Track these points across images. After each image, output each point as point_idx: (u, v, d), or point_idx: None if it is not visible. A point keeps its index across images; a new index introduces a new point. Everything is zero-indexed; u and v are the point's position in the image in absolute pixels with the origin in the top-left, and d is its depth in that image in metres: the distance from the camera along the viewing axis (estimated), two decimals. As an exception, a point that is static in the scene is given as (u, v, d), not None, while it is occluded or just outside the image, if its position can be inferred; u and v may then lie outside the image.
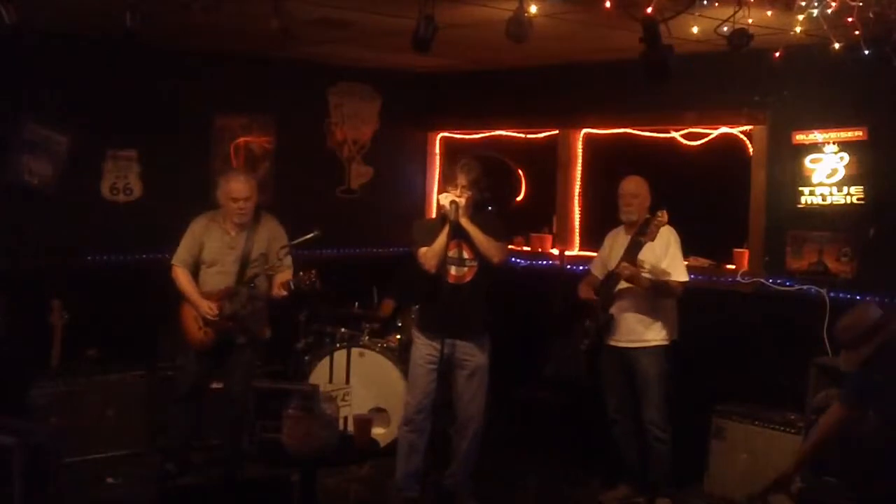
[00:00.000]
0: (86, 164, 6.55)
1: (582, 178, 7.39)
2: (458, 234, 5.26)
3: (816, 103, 5.90)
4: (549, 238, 7.52)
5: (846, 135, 5.76)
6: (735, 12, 4.34)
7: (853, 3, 4.02)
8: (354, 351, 6.40)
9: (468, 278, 5.36)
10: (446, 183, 5.40)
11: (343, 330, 6.60)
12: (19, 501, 4.67)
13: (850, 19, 4.11)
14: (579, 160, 7.38)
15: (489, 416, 5.55)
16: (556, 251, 7.35)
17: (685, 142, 6.65)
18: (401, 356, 6.44)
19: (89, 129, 6.47)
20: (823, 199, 5.86)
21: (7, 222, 6.21)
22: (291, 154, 7.51)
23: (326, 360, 6.39)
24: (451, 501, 5.54)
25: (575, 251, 7.31)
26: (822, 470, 5.26)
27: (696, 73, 5.97)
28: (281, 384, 5.53)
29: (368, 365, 6.42)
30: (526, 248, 7.56)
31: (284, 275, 5.67)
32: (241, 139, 7.32)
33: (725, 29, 4.46)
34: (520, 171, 7.78)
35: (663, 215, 5.32)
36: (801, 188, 5.95)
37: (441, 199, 5.31)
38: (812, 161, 5.90)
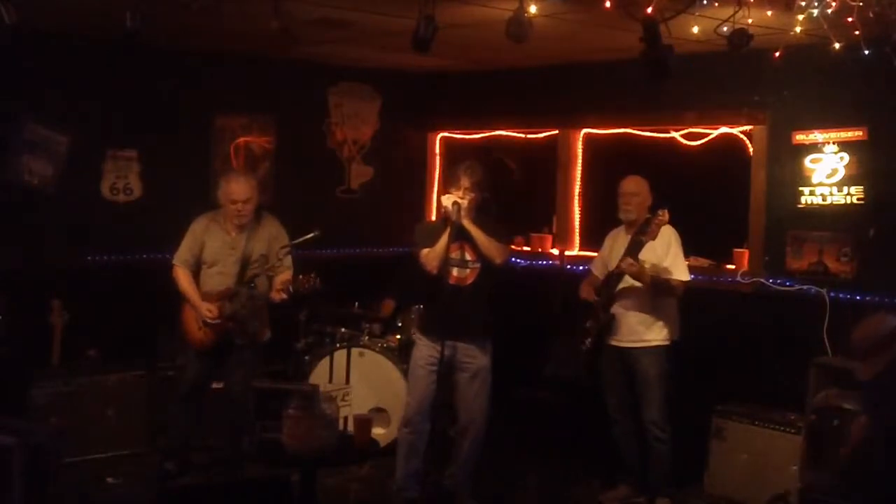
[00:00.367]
0: (86, 164, 6.55)
1: (582, 178, 7.39)
2: (461, 235, 5.26)
3: (816, 103, 5.90)
4: (549, 238, 7.52)
5: (846, 135, 5.76)
6: (735, 12, 4.34)
7: (853, 3, 4.02)
8: (354, 351, 6.40)
9: (470, 280, 5.36)
10: (448, 184, 5.40)
11: (343, 330, 6.60)
12: (19, 501, 4.66)
13: (850, 19, 4.11)
14: (579, 160, 7.38)
15: (489, 416, 5.54)
16: (556, 251, 7.35)
17: (685, 142, 6.65)
18: (401, 356, 6.44)
19: (89, 129, 6.47)
20: (823, 199, 5.86)
21: (7, 222, 6.21)
22: (291, 154, 7.51)
23: (326, 360, 6.40)
24: (451, 501, 5.54)
25: (575, 251, 7.31)
26: (823, 470, 5.27)
27: (696, 73, 5.97)
28: (281, 384, 5.52)
29: (368, 365, 6.42)
30: (526, 248, 7.56)
31: (284, 275, 5.67)
32: (241, 139, 7.32)
33: (725, 29, 4.46)
34: (511, 164, 7.77)
35: (664, 214, 5.32)
36: (801, 188, 5.95)
37: (443, 200, 5.31)
38: (812, 161, 5.90)
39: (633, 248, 5.42)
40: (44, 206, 6.34)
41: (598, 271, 5.86)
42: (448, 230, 5.20)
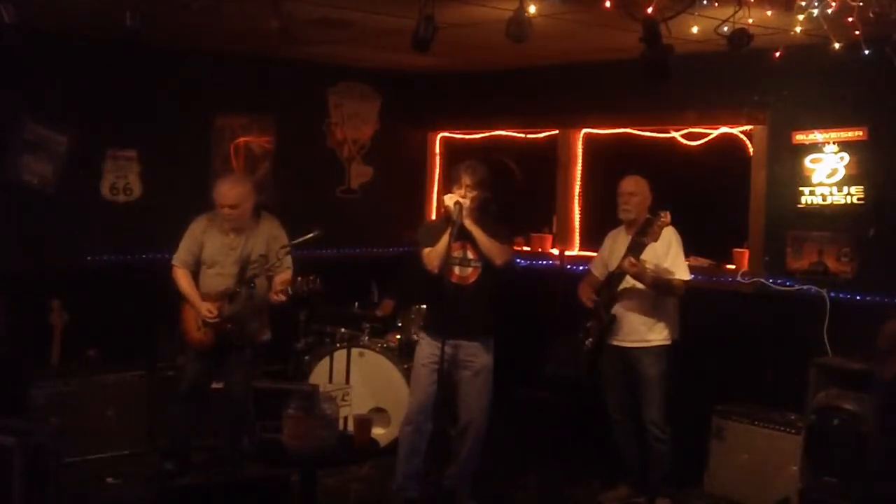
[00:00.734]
0: (86, 164, 6.55)
1: (582, 178, 7.39)
2: (462, 235, 5.26)
3: (816, 103, 5.90)
4: (549, 238, 7.52)
5: (846, 135, 5.76)
6: (735, 12, 4.34)
7: (853, 3, 4.02)
8: (354, 351, 6.40)
9: (472, 279, 5.36)
10: (450, 184, 5.40)
11: (343, 330, 6.60)
12: (19, 501, 4.66)
13: (850, 19, 4.11)
14: (579, 160, 7.38)
15: (489, 416, 5.54)
16: (556, 251, 7.35)
17: (685, 142, 6.64)
18: (401, 356, 6.44)
19: (89, 129, 6.47)
20: (823, 199, 5.86)
21: (7, 222, 6.21)
22: (291, 154, 7.51)
23: (326, 360, 6.40)
24: (451, 501, 5.54)
25: (575, 251, 7.31)
26: (823, 470, 5.27)
27: (696, 73, 5.98)
28: (281, 384, 5.53)
29: (368, 365, 6.42)
30: (526, 248, 7.56)
31: (284, 275, 5.66)
32: (241, 139, 7.32)
33: (725, 29, 4.46)
34: (513, 166, 7.77)
35: (666, 216, 5.31)
36: (801, 188, 5.96)
37: (445, 199, 5.31)
38: (812, 161, 5.90)
39: (635, 249, 5.41)
40: (44, 206, 6.34)
41: (597, 271, 5.85)
42: (449, 230, 5.20)
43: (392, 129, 8.10)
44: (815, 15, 4.17)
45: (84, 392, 6.09)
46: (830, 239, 5.84)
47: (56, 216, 6.37)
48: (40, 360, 6.02)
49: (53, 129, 6.37)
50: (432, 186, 8.32)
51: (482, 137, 7.94)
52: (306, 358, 6.55)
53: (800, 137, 5.96)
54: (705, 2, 4.23)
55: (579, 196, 7.39)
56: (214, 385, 5.96)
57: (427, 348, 5.42)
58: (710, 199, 6.41)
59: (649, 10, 4.15)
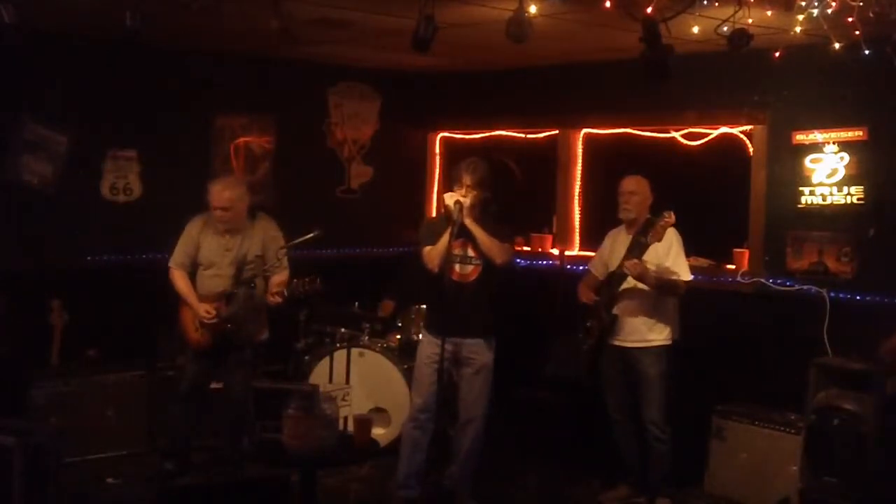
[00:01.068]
0: (86, 164, 6.55)
1: (582, 178, 7.39)
2: (463, 233, 5.26)
3: (816, 103, 5.90)
4: (549, 238, 7.52)
5: (846, 135, 5.76)
6: (735, 12, 4.34)
7: (853, 3, 4.02)
8: (354, 351, 6.40)
9: (473, 276, 5.36)
10: (451, 183, 5.39)
11: (343, 330, 6.59)
12: (19, 501, 4.66)
13: (850, 19, 4.11)
14: (579, 160, 7.38)
15: (489, 416, 5.54)
16: (556, 251, 7.35)
17: (685, 142, 6.64)
18: (401, 356, 6.44)
19: (89, 129, 6.47)
20: (823, 199, 5.86)
21: (7, 222, 6.21)
22: (291, 154, 7.51)
23: (326, 360, 6.39)
24: (451, 501, 5.54)
25: (575, 251, 7.31)
26: (823, 470, 5.27)
27: (696, 73, 5.98)
28: (281, 384, 5.53)
29: (368, 365, 6.42)
30: (526, 248, 7.56)
31: (280, 277, 5.67)
32: (241, 139, 7.32)
33: (725, 29, 4.46)
34: (513, 166, 7.77)
35: (670, 216, 5.30)
36: (801, 188, 5.95)
37: (446, 198, 5.31)
38: (812, 161, 5.90)
39: (635, 249, 5.41)
40: (44, 206, 6.34)
41: (596, 271, 5.85)
42: (450, 229, 5.20)
43: (392, 129, 8.10)
44: (815, 15, 4.17)
45: (84, 392, 6.10)
46: (830, 239, 5.84)
47: (56, 216, 6.37)
48: (40, 360, 6.02)
49: (53, 129, 6.37)
50: (432, 186, 8.32)
51: (482, 137, 7.94)
52: (306, 358, 6.55)
53: (800, 137, 5.96)
54: (705, 2, 4.23)
55: (579, 196, 7.39)
56: (214, 385, 5.97)
57: (428, 347, 5.42)
58: (710, 199, 6.41)
59: (649, 10, 4.15)
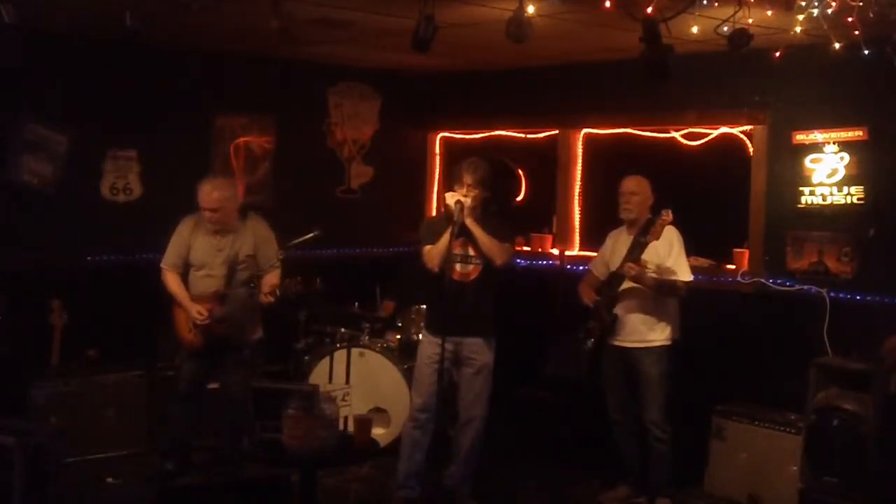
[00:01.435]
0: (86, 164, 6.55)
1: (582, 178, 7.39)
2: (463, 234, 5.26)
3: (816, 103, 5.90)
4: (549, 238, 7.52)
5: (846, 135, 5.76)
6: (735, 12, 4.34)
7: (853, 3, 4.02)
8: (354, 351, 6.40)
9: (473, 276, 5.36)
10: (451, 182, 5.39)
11: (343, 330, 6.59)
12: (19, 501, 4.66)
13: (850, 19, 4.11)
14: (579, 160, 7.38)
15: (489, 415, 5.54)
16: (556, 251, 7.35)
17: (685, 142, 6.64)
18: (401, 356, 6.44)
19: (89, 129, 6.47)
20: (823, 199, 5.86)
21: (7, 222, 6.21)
22: (291, 154, 7.51)
23: (326, 360, 6.39)
24: (451, 501, 5.54)
25: (575, 251, 7.31)
26: (823, 470, 5.27)
27: (696, 73, 5.98)
28: (281, 384, 5.53)
29: (368, 365, 6.42)
30: (526, 248, 7.56)
31: (272, 277, 5.67)
32: (241, 139, 7.32)
33: (725, 29, 4.46)
34: (520, 171, 7.78)
35: (668, 215, 5.31)
36: (801, 188, 5.95)
37: (447, 197, 5.31)
38: (812, 161, 5.90)
39: (636, 249, 5.42)
40: (44, 206, 6.34)
41: (597, 271, 5.85)
42: (450, 228, 5.20)
43: (392, 129, 8.10)
44: (815, 15, 4.17)
45: (84, 392, 6.10)
46: (830, 239, 5.84)
47: (56, 216, 6.37)
48: (40, 360, 6.02)
49: (53, 129, 6.37)
50: (432, 186, 8.32)
51: (482, 137, 7.94)
52: (306, 358, 6.55)
53: (800, 137, 5.96)
54: (705, 2, 4.23)
55: (579, 196, 7.39)
56: (211, 385, 5.97)
57: (428, 347, 5.42)
58: (710, 199, 6.40)
59: (649, 10, 4.15)
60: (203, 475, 5.81)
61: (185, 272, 5.74)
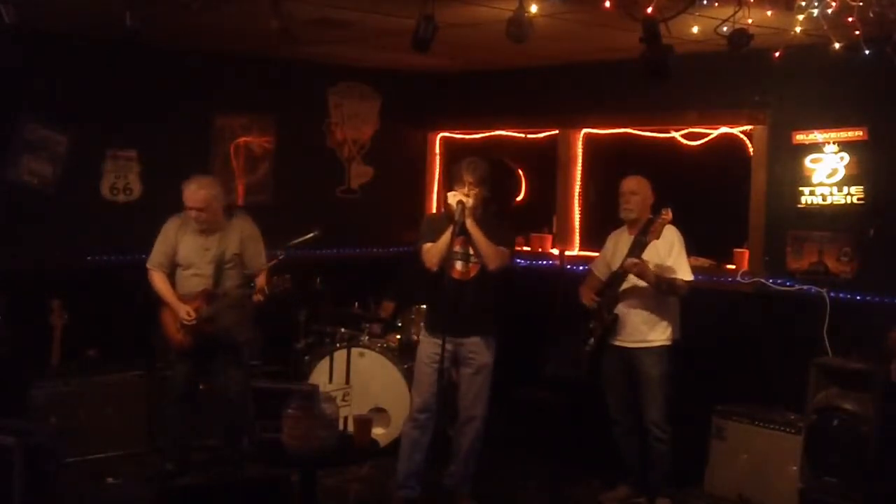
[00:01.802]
0: (86, 164, 6.55)
1: (582, 178, 7.39)
2: (464, 234, 5.26)
3: (816, 103, 5.90)
4: (549, 238, 7.52)
5: (846, 135, 5.76)
6: (735, 12, 4.34)
7: (853, 3, 4.02)
8: (354, 351, 6.40)
9: (473, 274, 5.36)
10: (452, 182, 5.39)
11: (343, 330, 6.59)
12: (19, 501, 4.66)
13: (850, 19, 4.11)
14: (579, 160, 7.38)
15: (489, 415, 5.54)
16: (556, 251, 7.35)
17: (685, 142, 6.64)
18: (401, 356, 6.44)
19: (89, 129, 6.47)
20: (823, 199, 5.86)
21: (7, 222, 6.21)
22: (291, 154, 7.51)
23: (326, 360, 6.39)
24: (451, 501, 5.54)
25: (575, 251, 7.31)
26: (823, 470, 5.27)
27: (696, 73, 5.98)
28: (281, 384, 5.53)
29: (368, 365, 6.42)
30: (526, 248, 7.56)
31: (262, 275, 5.67)
32: (241, 139, 7.32)
33: (725, 29, 4.46)
34: (520, 171, 7.78)
35: (668, 214, 5.32)
36: (801, 188, 5.95)
37: (449, 197, 5.30)
38: (812, 161, 5.90)
39: (637, 248, 5.42)
40: (44, 206, 6.34)
41: (598, 272, 5.85)
42: (451, 228, 5.20)
43: (392, 129, 8.10)
44: (815, 15, 4.17)
45: (84, 392, 6.10)
46: (830, 239, 5.84)
47: (56, 216, 6.37)
48: (40, 360, 6.02)
49: (53, 129, 6.37)
50: (432, 186, 8.32)
51: (482, 137, 7.94)
52: (306, 358, 6.55)
53: (800, 137, 5.96)
54: (705, 2, 4.23)
55: (579, 196, 7.39)
56: (206, 385, 5.97)
57: (428, 346, 5.42)
58: (710, 199, 6.41)
59: (649, 10, 4.15)
60: (203, 475, 5.81)
61: (171, 272, 5.73)
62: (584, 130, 7.33)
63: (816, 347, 5.63)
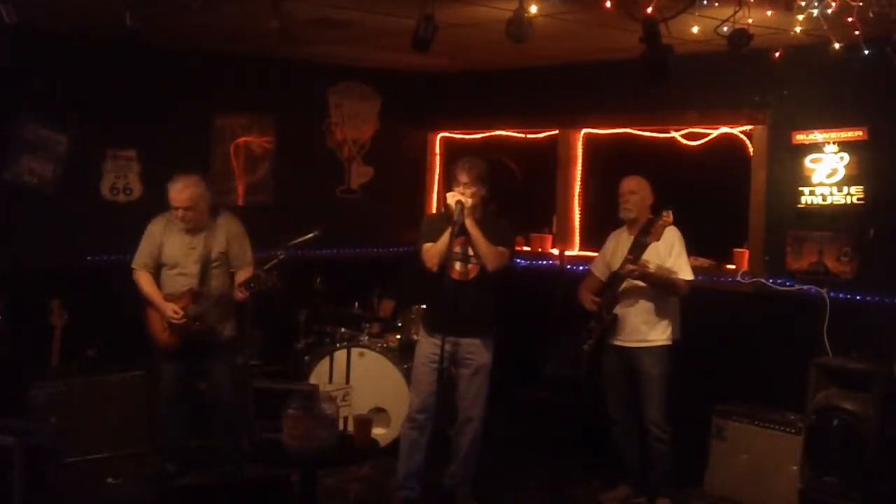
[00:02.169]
0: (86, 164, 6.54)
1: (582, 178, 7.39)
2: (462, 234, 5.26)
3: (816, 103, 5.90)
4: (549, 238, 7.52)
5: (846, 135, 5.76)
6: (735, 12, 4.34)
7: (853, 3, 4.02)
8: (354, 351, 6.40)
9: (472, 274, 5.35)
10: (451, 182, 5.39)
11: (343, 330, 6.60)
12: (19, 501, 4.67)
13: (850, 19, 4.11)
14: (579, 160, 7.38)
15: (489, 415, 5.55)
16: (556, 251, 7.35)
17: (685, 142, 6.64)
18: (401, 356, 6.44)
19: (89, 129, 6.47)
20: (823, 199, 5.86)
21: (7, 222, 6.21)
22: (291, 154, 7.51)
23: (326, 360, 6.39)
24: (451, 501, 5.54)
25: (575, 251, 7.31)
26: (823, 470, 5.28)
27: (696, 73, 5.98)
28: (281, 384, 5.53)
29: (368, 365, 6.42)
30: (526, 248, 7.56)
31: (245, 272, 5.66)
32: (241, 139, 7.32)
33: (725, 29, 4.46)
34: (514, 165, 7.78)
35: (668, 215, 5.32)
36: (801, 188, 5.95)
37: (448, 197, 5.30)
38: (812, 161, 5.90)
39: (637, 249, 5.42)
40: (44, 206, 6.34)
41: (598, 272, 5.85)
42: (451, 228, 5.20)
43: (392, 129, 8.10)
44: (815, 15, 4.17)
45: (84, 392, 6.10)
46: (830, 239, 5.84)
47: (56, 216, 6.37)
48: (40, 360, 6.02)
49: (53, 129, 6.37)
50: (432, 186, 8.32)
51: (482, 137, 7.94)
52: (306, 358, 6.55)
53: (800, 137, 5.96)
54: (705, 2, 4.23)
55: (579, 196, 7.39)
56: (202, 386, 5.98)
57: (426, 347, 5.42)
58: (710, 199, 6.41)
59: (649, 10, 4.15)
60: (203, 475, 5.81)
61: (156, 272, 5.73)
62: (584, 130, 7.33)
63: (816, 347, 5.63)
